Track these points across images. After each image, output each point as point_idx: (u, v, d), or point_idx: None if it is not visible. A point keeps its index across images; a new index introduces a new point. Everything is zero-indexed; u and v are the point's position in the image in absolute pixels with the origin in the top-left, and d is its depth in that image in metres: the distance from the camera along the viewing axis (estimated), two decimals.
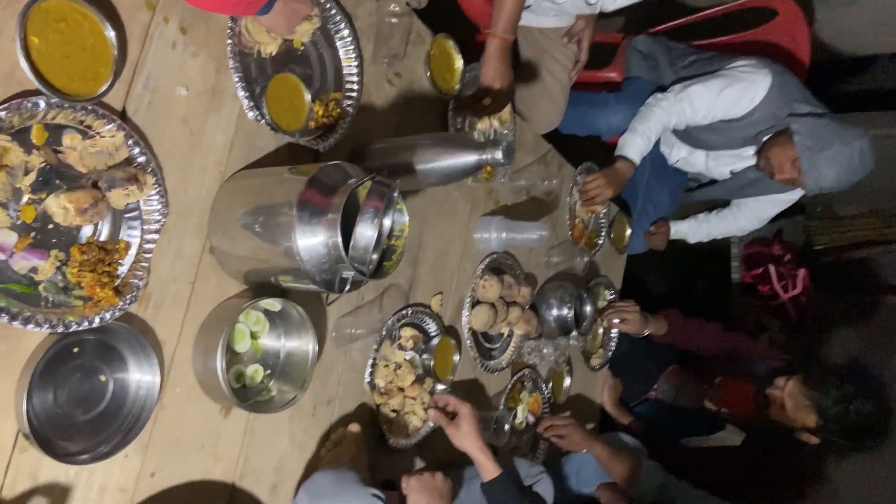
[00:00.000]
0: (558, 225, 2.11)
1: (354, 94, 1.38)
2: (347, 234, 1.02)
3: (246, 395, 1.18)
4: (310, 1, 1.23)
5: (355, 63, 1.37)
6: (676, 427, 2.41)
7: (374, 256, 1.08)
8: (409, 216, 1.13)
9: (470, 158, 1.23)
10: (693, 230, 2.57)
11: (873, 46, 3.25)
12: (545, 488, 1.51)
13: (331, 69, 1.35)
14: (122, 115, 1.01)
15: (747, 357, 2.25)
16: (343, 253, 1.00)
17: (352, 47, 1.36)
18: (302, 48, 1.29)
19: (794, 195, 2.31)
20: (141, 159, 1.02)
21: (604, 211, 2.28)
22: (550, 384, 2.05)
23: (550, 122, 2.03)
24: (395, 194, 1.09)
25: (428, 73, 1.57)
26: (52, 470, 0.94)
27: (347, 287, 1.06)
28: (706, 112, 2.06)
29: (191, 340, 1.11)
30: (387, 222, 1.11)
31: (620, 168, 2.07)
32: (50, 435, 0.93)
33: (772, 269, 3.29)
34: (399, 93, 1.52)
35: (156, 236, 1.04)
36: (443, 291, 1.64)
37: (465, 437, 1.41)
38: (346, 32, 1.35)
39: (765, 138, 2.07)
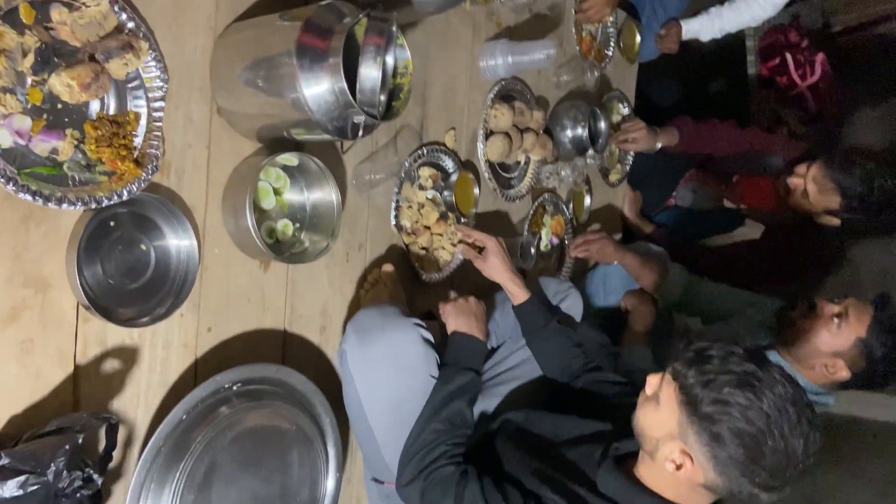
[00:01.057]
0: (565, 41, 2.04)
1: None
2: (352, 78, 1.00)
3: (280, 249, 1.23)
4: None
5: None
6: (697, 229, 2.46)
7: (382, 97, 1.08)
8: (411, 52, 1.10)
9: None
10: (705, 27, 2.45)
11: None
12: (573, 302, 1.59)
13: None
14: None
15: (765, 151, 2.24)
16: (350, 97, 0.99)
17: None
18: None
19: None
20: (131, 25, 0.99)
21: (611, 19, 2.18)
22: (571, 205, 2.08)
23: None
24: (394, 28, 1.06)
25: None
26: (117, 335, 1.02)
27: (360, 132, 1.06)
28: None
29: (219, 203, 1.14)
30: (389, 60, 1.09)
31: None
32: (107, 303, 1.00)
33: (788, 56, 3.16)
34: None
35: (162, 104, 1.04)
36: (455, 127, 1.63)
37: (493, 268, 1.45)
38: None
39: None
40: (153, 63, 1.02)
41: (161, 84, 1.04)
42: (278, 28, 1.05)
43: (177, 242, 1.08)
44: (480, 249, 1.49)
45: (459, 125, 1.65)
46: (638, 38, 2.35)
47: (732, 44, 3.23)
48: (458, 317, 1.32)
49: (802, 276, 2.08)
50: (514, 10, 1.81)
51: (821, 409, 1.55)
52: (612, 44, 2.22)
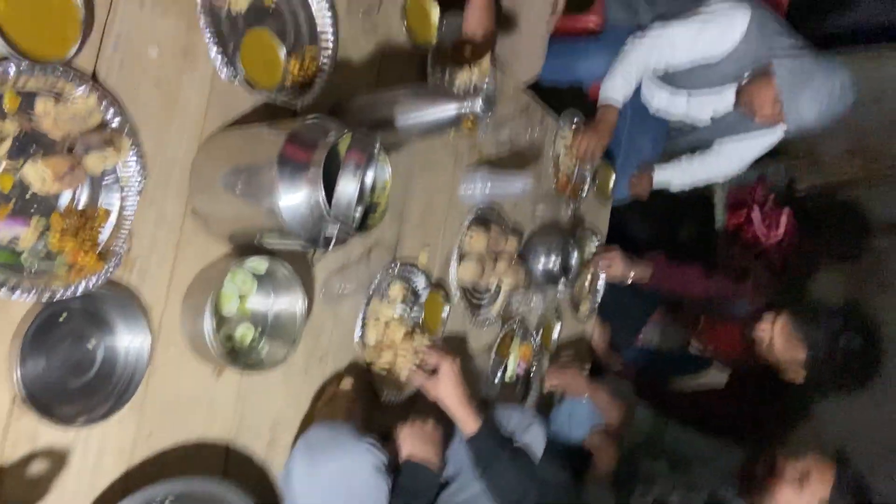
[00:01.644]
0: (543, 176, 2.11)
1: (330, 49, 1.35)
2: (330, 190, 1.01)
3: (237, 356, 1.19)
4: None
5: (329, 16, 1.35)
6: (665, 369, 2.45)
7: (358, 211, 1.09)
8: (393, 171, 1.13)
9: (450, 109, 1.22)
10: (676, 176, 2.57)
11: None
12: (536, 435, 1.53)
13: (304, 24, 1.33)
14: (94, 78, 0.99)
15: (732, 298, 2.28)
16: (326, 209, 1.00)
17: (326, 4, 1.33)
18: (273, 3, 1.26)
19: (775, 136, 2.31)
20: (116, 122, 1.00)
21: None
22: (540, 333, 2.08)
23: (530, 72, 2.01)
24: (377, 147, 1.09)
25: (404, 25, 1.54)
26: (49, 434, 0.96)
27: (332, 244, 1.06)
28: (686, 51, 2.05)
29: (178, 304, 1.11)
30: (369, 177, 1.11)
31: (605, 117, 2.07)
32: (45, 400, 0.94)
33: (755, 212, 3.31)
34: (376, 46, 1.49)
35: (136, 200, 1.03)
36: (430, 245, 1.64)
37: (443, 392, 1.38)
38: None
39: (745, 74, 2.07)
40: (133, 159, 1.03)
41: (138, 181, 1.04)
42: (264, 137, 1.08)
43: (128, 342, 1.04)
44: (434, 371, 1.45)
45: (434, 245, 1.66)
46: (612, 181, 2.45)
47: (702, 195, 3.39)
48: (413, 442, 1.27)
49: (766, 428, 2.06)
50: (495, 143, 1.88)
51: None
52: (587, 182, 2.31)
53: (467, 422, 1.38)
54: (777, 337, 1.91)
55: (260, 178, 1.02)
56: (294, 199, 1.00)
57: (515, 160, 1.96)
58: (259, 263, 1.18)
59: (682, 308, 2.49)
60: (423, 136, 1.30)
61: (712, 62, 2.07)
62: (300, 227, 1.03)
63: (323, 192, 0.99)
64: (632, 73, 2.09)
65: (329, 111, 1.36)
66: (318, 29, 1.35)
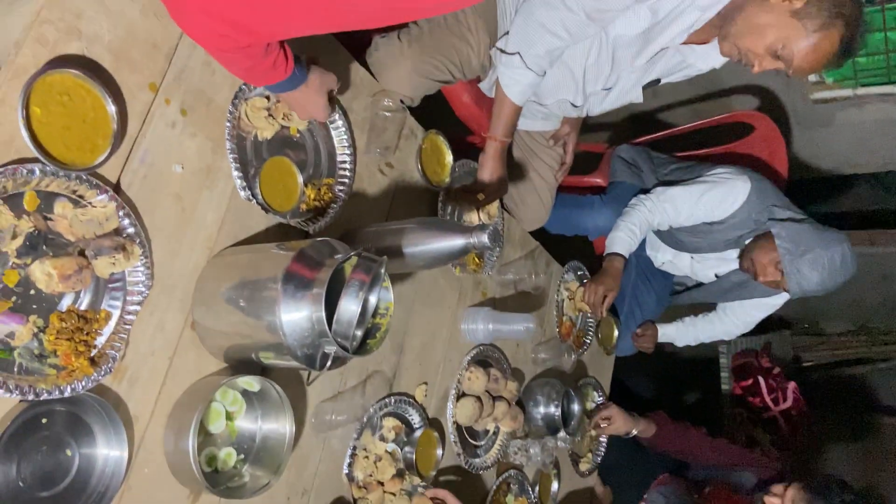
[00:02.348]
0: (546, 321, 2.11)
1: (347, 181, 1.41)
2: (332, 311, 1.01)
3: (217, 480, 1.13)
4: (334, 74, 1.28)
5: (349, 152, 1.42)
6: None
7: (358, 332, 1.08)
8: (396, 302, 1.13)
9: (457, 242, 1.25)
10: (681, 333, 2.57)
11: (852, 166, 3.36)
12: None
13: (325, 156, 1.40)
14: (116, 188, 1.03)
15: (739, 465, 2.19)
16: (326, 327, 0.99)
17: (345, 137, 1.41)
18: (298, 135, 1.34)
19: (779, 299, 2.33)
20: (130, 230, 1.03)
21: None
22: (538, 488, 1.97)
23: (537, 220, 2.08)
24: (382, 270, 1.10)
25: (419, 166, 1.62)
26: None
27: (328, 363, 1.04)
28: (688, 214, 2.12)
29: (164, 418, 1.07)
30: (372, 299, 1.11)
31: (612, 266, 2.10)
32: None
33: (761, 380, 3.26)
34: (391, 182, 1.56)
35: (137, 308, 1.03)
36: (427, 382, 1.61)
37: None
38: (340, 123, 1.40)
39: (747, 241, 2.12)
40: (141, 268, 1.04)
41: (143, 289, 1.04)
42: (271, 255, 1.10)
43: (106, 453, 1.00)
44: None
45: (432, 381, 1.63)
46: (616, 333, 2.44)
47: (707, 357, 3.36)
48: None
49: None
50: (500, 283, 1.90)
51: None
52: (590, 333, 2.30)
53: None
54: None
55: (264, 293, 1.03)
56: (295, 315, 1.01)
57: (519, 302, 1.97)
58: (251, 383, 1.16)
59: (688, 473, 2.38)
60: (430, 266, 1.31)
61: (714, 226, 2.14)
62: (298, 345, 1.02)
63: (324, 310, 0.99)
64: (635, 230, 2.15)
65: (340, 237, 1.39)
66: (338, 160, 1.42)
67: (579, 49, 1.59)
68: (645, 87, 1.72)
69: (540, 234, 2.17)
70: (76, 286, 0.96)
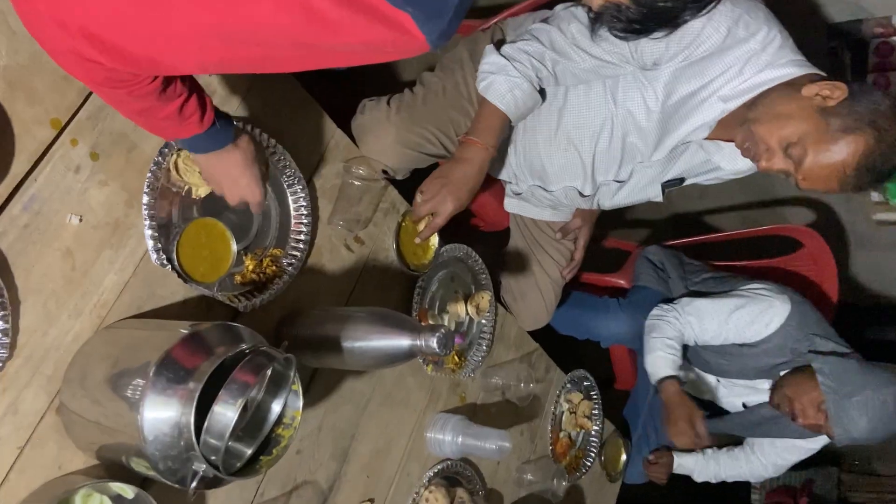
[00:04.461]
0: (538, 436, 1.84)
1: (299, 254, 1.23)
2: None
3: None
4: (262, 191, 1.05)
5: (306, 221, 1.24)
6: None
7: (247, 449, 0.87)
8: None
9: (402, 342, 1.04)
10: (700, 467, 2.24)
11: None
12: None
13: (274, 223, 1.22)
14: None
15: None
16: (192, 436, 0.78)
17: (304, 204, 1.24)
18: None
19: (816, 443, 2.01)
20: None
21: (595, 429, 2.01)
22: None
23: (537, 320, 1.85)
24: (291, 372, 0.90)
25: (395, 246, 1.43)
26: None
27: (194, 484, 0.82)
28: (715, 332, 1.85)
29: None
30: (275, 406, 0.91)
31: (671, 396, 1.81)
32: None
33: None
34: (358, 260, 1.37)
35: None
36: (374, 499, 1.36)
37: None
38: (298, 189, 1.23)
39: (782, 372, 1.84)
40: None
41: None
42: (160, 335, 0.91)
43: None
44: None
45: (381, 497, 1.38)
46: (623, 457, 2.14)
47: (734, 493, 2.98)
48: None
49: None
50: (484, 387, 1.66)
51: None
52: (592, 454, 2.01)
53: None
54: None
55: (133, 381, 0.83)
56: (161, 414, 0.80)
57: (506, 412, 1.72)
58: (125, 489, 0.94)
59: None
60: (372, 367, 1.11)
61: (745, 349, 1.87)
62: (161, 455, 0.81)
63: (192, 415, 0.78)
64: (674, 344, 1.86)
65: (280, 319, 1.20)
66: (291, 230, 1.24)
67: (589, 131, 1.40)
68: (666, 186, 1.51)
69: (545, 334, 1.93)
70: None
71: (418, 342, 1.02)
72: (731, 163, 1.37)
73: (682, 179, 1.51)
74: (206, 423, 0.80)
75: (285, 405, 0.92)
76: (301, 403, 0.92)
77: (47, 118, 0.92)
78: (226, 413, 0.79)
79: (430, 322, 1.49)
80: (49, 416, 0.91)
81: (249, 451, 0.88)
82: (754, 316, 1.83)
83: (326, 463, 1.28)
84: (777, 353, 1.83)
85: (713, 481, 2.25)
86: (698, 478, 2.26)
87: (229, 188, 1.02)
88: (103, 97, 0.83)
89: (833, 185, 1.23)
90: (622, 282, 2.31)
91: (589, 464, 1.99)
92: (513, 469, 1.74)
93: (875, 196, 2.71)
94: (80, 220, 0.95)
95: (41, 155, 0.91)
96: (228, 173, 1.00)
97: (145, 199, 1.01)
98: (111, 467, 0.95)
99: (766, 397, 1.93)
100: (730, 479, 2.23)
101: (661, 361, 1.86)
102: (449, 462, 1.50)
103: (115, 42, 0.67)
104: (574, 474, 1.93)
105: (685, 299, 1.95)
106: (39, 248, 0.91)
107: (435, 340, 1.01)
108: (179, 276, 1.05)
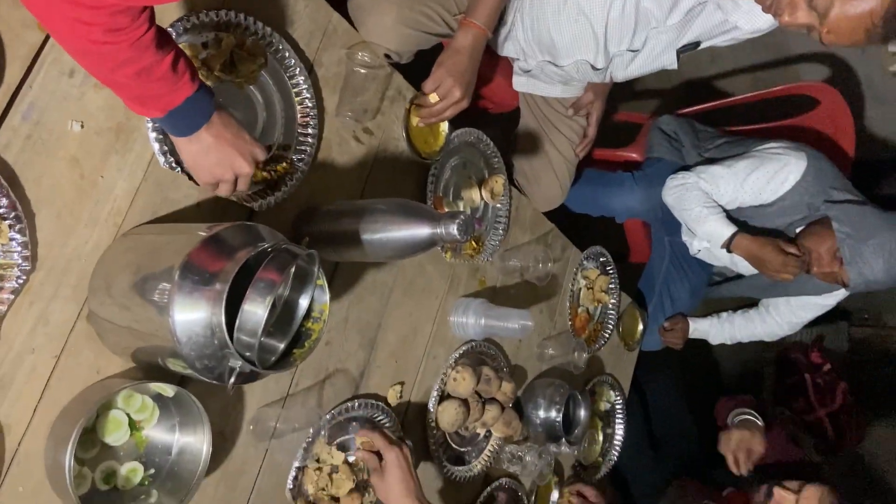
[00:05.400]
0: (558, 313, 1.88)
1: (308, 149, 1.20)
2: None
3: (117, 499, 0.95)
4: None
5: (313, 113, 1.20)
6: None
7: (279, 344, 0.89)
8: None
9: (422, 231, 1.02)
10: (715, 330, 2.29)
11: None
12: None
13: (280, 117, 1.18)
14: None
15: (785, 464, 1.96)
16: (226, 335, 0.79)
17: (308, 96, 1.19)
18: (243, 88, 1.12)
19: (830, 299, 2.04)
20: (3, 202, 0.84)
21: (612, 302, 2.04)
22: (534, 499, 1.77)
23: (552, 200, 1.83)
24: (315, 268, 0.89)
25: (406, 134, 1.39)
26: None
27: (232, 380, 0.84)
28: (732, 196, 1.83)
29: (47, 427, 0.90)
30: (303, 301, 0.91)
31: (748, 246, 1.83)
32: None
33: (808, 378, 2.96)
34: (368, 152, 1.34)
35: (10, 297, 0.85)
36: (404, 381, 1.41)
37: (389, 487, 1.18)
38: (301, 80, 1.18)
39: (798, 229, 1.83)
40: (17, 248, 0.85)
41: (20, 274, 0.86)
42: (180, 238, 0.90)
43: None
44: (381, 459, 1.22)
45: (410, 380, 1.43)
46: (640, 327, 2.18)
47: (747, 348, 3.07)
48: None
49: None
50: (503, 270, 1.67)
51: None
52: (611, 326, 2.05)
53: None
54: None
55: (159, 286, 0.83)
56: (191, 316, 0.81)
57: (525, 292, 1.74)
58: (164, 388, 0.97)
59: (715, 474, 2.15)
60: (391, 258, 1.10)
61: (761, 209, 1.85)
62: (197, 355, 0.82)
63: (223, 315, 0.79)
64: (712, 204, 1.85)
65: (296, 216, 1.19)
66: (298, 124, 1.20)
67: None
68: (681, 52, 1.43)
69: (559, 213, 1.92)
70: None
71: (439, 230, 1.01)
72: (749, 21, 1.29)
73: (697, 44, 1.44)
74: (237, 322, 0.80)
75: (312, 300, 0.92)
76: (328, 297, 0.92)
77: (34, 21, 0.87)
78: (256, 311, 0.80)
79: (447, 209, 1.48)
80: (80, 324, 0.93)
81: (282, 346, 0.90)
82: (770, 175, 1.81)
83: (355, 352, 1.31)
84: (793, 211, 1.82)
85: (729, 343, 2.30)
86: (713, 340, 2.32)
87: (240, 149, 0.96)
88: (100, 68, 0.80)
89: (859, 37, 1.15)
90: (635, 155, 2.26)
91: (608, 335, 2.04)
92: (534, 345, 1.78)
93: (893, 47, 2.60)
94: (82, 127, 0.92)
95: (33, 59, 0.87)
96: (228, 138, 0.94)
97: None
98: (148, 369, 0.98)
99: None
100: (745, 340, 2.29)
101: (715, 225, 1.84)
102: (473, 343, 1.54)
103: None
104: (593, 346, 1.98)
105: (700, 167, 1.92)
106: (45, 158, 0.89)
107: (455, 227, 0.99)
108: (190, 177, 1.03)
